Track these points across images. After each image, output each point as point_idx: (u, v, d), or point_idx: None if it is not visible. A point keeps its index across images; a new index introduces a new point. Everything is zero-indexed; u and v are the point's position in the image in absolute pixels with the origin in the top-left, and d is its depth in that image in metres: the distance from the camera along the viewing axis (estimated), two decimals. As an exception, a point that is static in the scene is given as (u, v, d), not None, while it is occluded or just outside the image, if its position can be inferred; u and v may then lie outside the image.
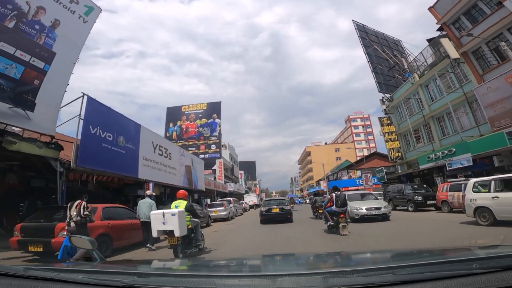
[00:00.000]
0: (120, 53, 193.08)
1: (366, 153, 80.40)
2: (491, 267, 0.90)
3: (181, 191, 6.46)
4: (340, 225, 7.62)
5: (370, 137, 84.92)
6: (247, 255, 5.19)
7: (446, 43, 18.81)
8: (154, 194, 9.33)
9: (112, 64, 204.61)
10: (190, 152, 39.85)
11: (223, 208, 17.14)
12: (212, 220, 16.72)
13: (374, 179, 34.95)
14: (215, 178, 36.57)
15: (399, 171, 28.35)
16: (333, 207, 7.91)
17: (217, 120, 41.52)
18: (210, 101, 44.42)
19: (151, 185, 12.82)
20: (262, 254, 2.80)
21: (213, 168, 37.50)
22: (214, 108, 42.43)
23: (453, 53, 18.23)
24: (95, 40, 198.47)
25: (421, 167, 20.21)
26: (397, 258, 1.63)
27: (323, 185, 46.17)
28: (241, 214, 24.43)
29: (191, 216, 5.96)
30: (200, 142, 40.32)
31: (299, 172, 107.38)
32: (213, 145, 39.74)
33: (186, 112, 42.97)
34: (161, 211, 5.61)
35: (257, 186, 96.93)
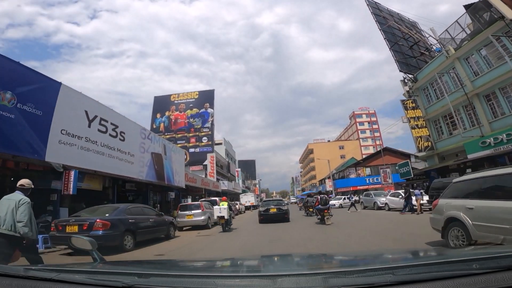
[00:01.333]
0: (120, 53, 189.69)
1: (372, 150, 75.37)
2: (491, 267, 0.89)
3: (224, 197, 12.92)
4: (325, 218, 11.01)
5: (377, 134, 79.81)
6: (247, 255, 5.18)
7: (498, 3, 14.22)
8: (30, 186, 4.30)
9: (112, 64, 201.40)
10: (179, 145, 35.09)
11: (200, 211, 12.27)
12: (186, 228, 11.93)
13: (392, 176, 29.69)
14: (206, 175, 31.72)
15: (426, 165, 23.25)
16: (320, 206, 11.34)
17: (209, 110, 36.68)
18: (203, 89, 39.66)
19: (72, 174, 7.97)
20: (262, 255, 3.28)
21: (204, 163, 32.66)
22: (206, 97, 37.60)
23: (510, 13, 13.68)
24: (96, 40, 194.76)
25: (471, 156, 15.21)
26: (397, 258, 1.59)
27: (329, 184, 41.17)
28: (233, 217, 19.59)
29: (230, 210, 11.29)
30: (190, 135, 35.49)
31: (300, 172, 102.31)
32: (204, 138, 34.90)
33: (176, 102, 38.19)
34: (218, 207, 11.25)
35: (257, 186, 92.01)
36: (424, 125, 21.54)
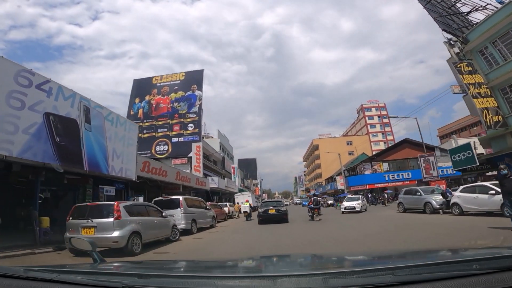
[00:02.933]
0: (122, 54, 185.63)
1: (383, 146, 68.49)
2: (491, 268, 0.88)
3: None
4: (314, 215, 13.64)
5: (387, 129, 73.00)
6: (247, 255, 5.00)
7: None
8: None
9: (114, 65, 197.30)
10: (160, 134, 28.91)
11: (111, 221, 5.85)
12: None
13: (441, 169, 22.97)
14: (191, 169, 25.37)
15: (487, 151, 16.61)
16: (312, 205, 14.10)
17: (197, 92, 30.38)
18: (191, 69, 33.39)
19: None
20: (262, 255, 3.40)
21: (189, 155, 26.32)
22: (194, 78, 31.32)
23: None
24: (98, 41, 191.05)
25: None
26: (397, 258, 1.59)
27: (340, 182, 34.46)
28: (210, 226, 13.19)
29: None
30: (174, 121, 29.20)
31: (304, 171, 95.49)
32: (190, 125, 28.58)
33: (158, 85, 31.99)
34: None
35: (258, 185, 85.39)
36: (489, 94, 14.95)
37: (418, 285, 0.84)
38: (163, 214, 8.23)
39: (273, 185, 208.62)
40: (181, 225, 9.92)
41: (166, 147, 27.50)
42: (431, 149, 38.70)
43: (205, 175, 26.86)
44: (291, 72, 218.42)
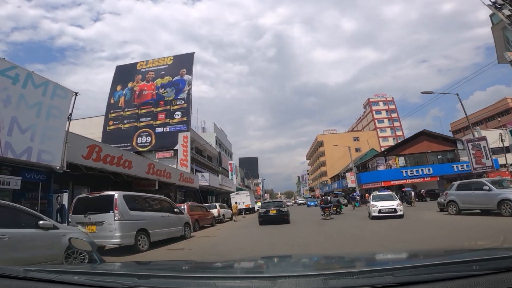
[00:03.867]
0: (124, 55, 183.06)
1: (392, 142, 64.00)
2: (491, 268, 0.87)
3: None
4: (325, 214, 13.40)
5: (396, 124, 68.46)
6: (247, 256, 4.99)
7: None
8: None
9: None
10: (143, 124, 24.91)
11: None
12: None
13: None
14: (177, 163, 21.31)
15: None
16: (322, 205, 13.91)
17: (186, 77, 26.36)
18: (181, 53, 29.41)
19: None
20: (262, 256, 3.29)
21: (175, 148, 22.25)
22: (183, 62, 27.33)
23: None
24: (100, 42, 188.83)
25: None
26: (397, 259, 1.63)
27: (351, 179, 30.15)
28: (181, 237, 9.13)
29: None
30: (159, 109, 25.19)
31: (308, 170, 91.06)
32: (177, 113, 24.53)
33: (143, 70, 28.05)
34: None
35: (260, 185, 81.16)
36: None
37: (418, 286, 0.83)
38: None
39: (276, 186, 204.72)
40: (114, 240, 5.87)
41: (149, 139, 23.52)
42: (452, 142, 34.34)
43: (195, 171, 22.79)
44: (293, 72, 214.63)
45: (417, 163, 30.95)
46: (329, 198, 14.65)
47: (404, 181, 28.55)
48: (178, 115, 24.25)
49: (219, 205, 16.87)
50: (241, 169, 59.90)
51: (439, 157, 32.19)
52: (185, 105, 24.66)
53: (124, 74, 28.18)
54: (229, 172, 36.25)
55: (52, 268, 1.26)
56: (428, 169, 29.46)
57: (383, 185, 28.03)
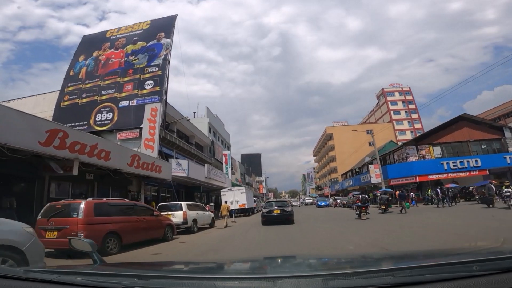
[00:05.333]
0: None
1: (409, 136, 56.91)
2: (491, 269, 0.87)
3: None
4: (361, 214, 12.50)
5: (414, 116, 61.23)
6: (247, 256, 4.87)
7: None
8: None
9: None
10: (104, 97, 19.02)
11: None
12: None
13: None
14: (140, 145, 15.34)
15: None
16: (359, 203, 12.92)
17: (164, 41, 20.36)
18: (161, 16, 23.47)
19: None
20: (263, 256, 3.33)
21: (141, 126, 16.28)
22: (162, 26, 21.36)
23: None
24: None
25: None
26: (397, 260, 1.55)
27: (375, 173, 23.56)
28: None
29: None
30: (126, 79, 19.24)
31: (314, 168, 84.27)
32: (149, 82, 18.54)
33: (112, 37, 22.20)
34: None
35: (263, 183, 74.89)
36: None
37: (418, 286, 0.83)
38: None
39: (280, 185, 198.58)
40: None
41: (110, 115, 17.63)
42: (499, 129, 27.49)
43: (164, 156, 16.73)
44: (297, 71, 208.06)
45: (457, 154, 24.27)
46: (366, 196, 13.70)
47: (446, 175, 21.97)
48: (149, 85, 18.25)
49: (189, 205, 10.73)
50: (242, 165, 53.78)
51: (483, 146, 25.40)
52: (159, 73, 18.65)
53: (91, 44, 22.40)
54: (224, 164, 30.15)
55: (53, 268, 1.22)
56: (476, 161, 22.74)
57: (417, 180, 21.47)
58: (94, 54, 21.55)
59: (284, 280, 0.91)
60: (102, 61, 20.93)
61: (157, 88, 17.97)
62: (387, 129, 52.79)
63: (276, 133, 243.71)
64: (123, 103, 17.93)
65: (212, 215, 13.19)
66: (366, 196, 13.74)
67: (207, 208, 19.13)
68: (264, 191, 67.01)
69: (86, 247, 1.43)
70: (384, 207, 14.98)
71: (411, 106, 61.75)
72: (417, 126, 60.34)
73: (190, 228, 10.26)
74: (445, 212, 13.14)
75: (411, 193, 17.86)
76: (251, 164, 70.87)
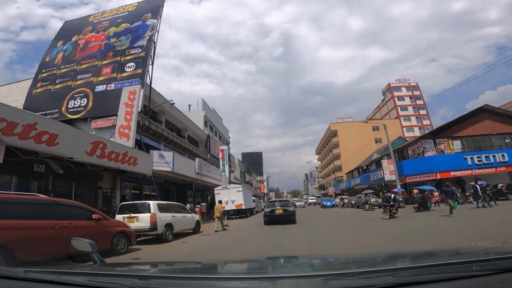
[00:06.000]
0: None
1: (418, 132, 54.08)
2: (491, 269, 0.86)
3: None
4: (384, 213, 11.87)
5: (423, 112, 58.32)
6: (248, 257, 4.86)
7: None
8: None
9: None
10: (79, 82, 16.58)
11: None
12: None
13: None
14: (114, 134, 12.91)
15: None
16: (384, 202, 12.40)
17: (150, 21, 17.97)
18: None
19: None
20: (263, 257, 3.30)
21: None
22: (149, 7, 19.00)
23: None
24: None
25: None
26: (397, 260, 1.55)
27: (389, 169, 20.87)
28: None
29: None
30: (105, 62, 16.87)
31: (317, 167, 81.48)
32: (130, 64, 16.14)
33: (95, 21, 19.92)
34: None
35: (264, 182, 72.36)
36: None
37: (418, 286, 0.83)
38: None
39: (281, 185, 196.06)
40: None
41: (84, 101, 15.27)
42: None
43: (144, 147, 14.30)
44: (299, 71, 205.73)
45: (479, 148, 21.54)
46: (392, 195, 12.47)
47: (470, 171, 19.28)
48: (130, 67, 15.84)
49: (160, 205, 8.22)
50: (242, 163, 51.33)
51: (506, 140, 22.66)
52: (142, 54, 16.23)
53: (72, 29, 20.15)
54: (220, 161, 27.69)
55: (53, 269, 1.21)
56: (502, 155, 19.99)
57: (438, 177, 18.79)
58: (74, 39, 19.26)
59: (284, 280, 0.90)
60: (81, 45, 18.61)
61: (139, 71, 15.56)
62: (393, 126, 49.97)
63: (278, 133, 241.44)
64: (100, 88, 15.55)
65: (197, 217, 10.70)
66: (392, 196, 12.20)
67: (197, 209, 16.77)
68: (266, 191, 64.42)
69: (86, 247, 1.42)
70: (417, 205, 13.31)
71: (419, 102, 58.84)
72: (426, 122, 57.41)
73: (162, 235, 7.79)
74: (497, 214, 10.02)
75: (456, 192, 13.78)
76: (252, 163, 68.34)
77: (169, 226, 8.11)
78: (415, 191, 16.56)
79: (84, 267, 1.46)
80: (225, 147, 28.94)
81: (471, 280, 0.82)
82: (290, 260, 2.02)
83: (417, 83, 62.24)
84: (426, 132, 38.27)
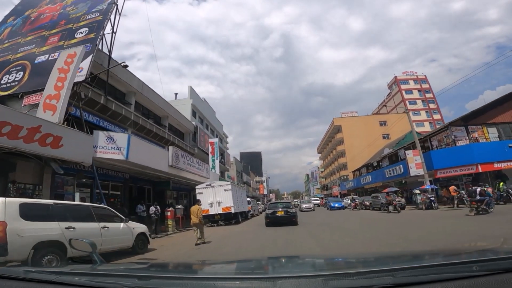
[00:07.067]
0: (131, 56, 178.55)
1: (428, 127, 50.08)
2: (491, 269, 0.86)
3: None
4: (469, 209, 10.50)
5: (432, 106, 54.37)
6: (248, 257, 4.73)
7: None
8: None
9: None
10: (20, 55, 12.02)
11: None
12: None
13: None
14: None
15: None
16: (468, 198, 10.98)
17: (114, -18, 14.47)
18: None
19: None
20: (263, 257, 3.28)
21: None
22: None
23: None
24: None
25: None
26: (397, 260, 1.53)
27: (415, 162, 16.97)
28: None
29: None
30: (53, 31, 13.36)
31: (318, 167, 77.47)
32: (83, 30, 12.58)
33: None
34: None
35: (264, 183, 68.49)
36: None
37: (418, 287, 0.82)
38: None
39: (282, 186, 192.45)
40: None
41: (19, 75, 11.75)
42: None
43: (104, 134, 10.65)
44: (300, 72, 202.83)
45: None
46: (478, 189, 10.52)
47: (515, 163, 15.32)
48: (81, 33, 12.32)
49: (25, 206, 4.55)
50: (239, 162, 47.63)
51: None
52: (99, 18, 12.70)
53: (28, 3, 16.77)
54: (210, 155, 24.03)
55: (53, 269, 1.20)
56: None
57: (480, 170, 14.90)
58: (27, 13, 15.88)
59: (284, 280, 0.90)
60: (33, 18, 15.20)
61: (92, 35, 12.02)
62: (402, 120, 46.04)
63: (279, 134, 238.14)
64: (41, 58, 12.01)
65: (143, 229, 7.04)
66: (477, 188, 10.41)
67: (169, 214, 13.06)
68: (265, 192, 60.61)
69: (86, 247, 1.41)
70: (479, 204, 10.31)
71: (428, 95, 54.86)
72: (436, 117, 53.42)
73: (28, 264, 4.14)
74: None
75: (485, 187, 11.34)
76: (251, 162, 64.66)
77: (52, 246, 4.47)
78: (452, 187, 12.83)
79: (84, 267, 1.43)
80: (215, 140, 25.26)
81: (471, 280, 0.81)
82: (290, 260, 2.03)
83: (425, 75, 58.35)
84: (437, 126, 34.35)
